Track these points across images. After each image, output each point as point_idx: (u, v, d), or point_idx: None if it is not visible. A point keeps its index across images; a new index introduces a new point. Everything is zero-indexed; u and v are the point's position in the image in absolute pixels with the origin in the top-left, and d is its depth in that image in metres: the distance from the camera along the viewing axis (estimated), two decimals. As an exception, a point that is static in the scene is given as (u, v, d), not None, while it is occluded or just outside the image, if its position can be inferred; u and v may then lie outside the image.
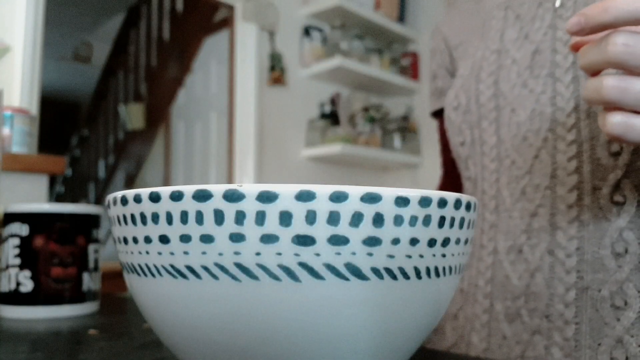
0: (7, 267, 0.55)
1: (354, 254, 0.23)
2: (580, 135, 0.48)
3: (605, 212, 0.46)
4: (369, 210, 0.22)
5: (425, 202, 0.23)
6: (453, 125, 0.60)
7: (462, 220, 0.26)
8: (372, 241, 0.23)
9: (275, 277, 0.22)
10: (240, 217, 0.22)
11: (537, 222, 0.50)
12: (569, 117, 0.49)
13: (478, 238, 0.57)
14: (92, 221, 0.58)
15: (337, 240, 0.22)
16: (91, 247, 0.58)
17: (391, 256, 0.23)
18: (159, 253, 0.24)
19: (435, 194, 0.24)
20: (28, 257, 0.55)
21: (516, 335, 0.51)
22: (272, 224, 0.22)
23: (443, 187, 0.73)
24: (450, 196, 0.25)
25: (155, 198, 0.24)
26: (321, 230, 0.22)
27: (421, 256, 0.24)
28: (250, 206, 0.22)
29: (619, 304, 0.45)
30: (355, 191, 0.22)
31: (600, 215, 0.47)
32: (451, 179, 0.71)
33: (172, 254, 0.24)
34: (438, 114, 0.71)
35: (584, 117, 0.48)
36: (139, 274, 0.26)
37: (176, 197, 0.23)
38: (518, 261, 0.52)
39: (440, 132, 0.72)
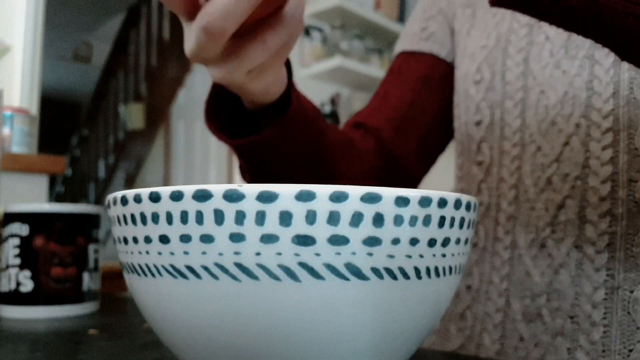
0: (7, 267, 0.55)
1: (354, 254, 0.23)
2: (617, 123, 0.44)
3: None
4: (369, 210, 0.22)
5: (425, 202, 0.23)
6: (471, 101, 0.55)
7: (462, 220, 0.26)
8: (372, 241, 0.23)
9: (275, 277, 0.22)
10: (240, 217, 0.22)
11: (564, 214, 0.47)
12: (606, 103, 0.45)
13: (492, 230, 0.53)
14: (92, 221, 0.58)
15: (337, 240, 0.22)
16: (91, 247, 0.58)
17: (391, 256, 0.23)
18: (159, 253, 0.24)
19: (435, 194, 0.24)
20: (28, 257, 0.55)
21: (535, 336, 0.47)
22: (272, 224, 0.22)
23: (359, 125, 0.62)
24: (450, 196, 0.25)
25: (155, 198, 0.24)
26: (321, 230, 0.22)
27: (421, 256, 0.24)
28: (250, 206, 0.22)
29: None
30: (355, 191, 0.22)
31: (635, 210, 0.43)
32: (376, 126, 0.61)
33: (172, 254, 0.24)
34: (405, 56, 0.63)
35: (624, 103, 0.44)
36: (139, 274, 0.26)
37: (176, 197, 0.23)
38: (541, 256, 0.48)
39: (396, 67, 0.63)
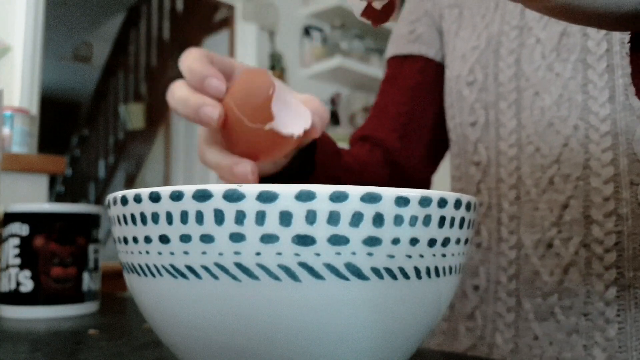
0: (7, 267, 0.55)
1: (354, 253, 0.23)
2: (616, 126, 0.45)
3: None
4: (369, 210, 0.22)
5: (425, 202, 0.23)
6: (465, 102, 0.56)
7: (462, 220, 0.26)
8: (372, 241, 0.23)
9: (276, 277, 0.22)
10: (240, 217, 0.22)
11: (569, 214, 0.47)
12: (602, 107, 0.46)
13: (495, 230, 0.53)
14: (92, 221, 0.58)
15: (337, 240, 0.22)
16: (91, 247, 0.58)
17: (391, 256, 0.23)
18: (159, 253, 0.24)
19: (435, 194, 0.24)
20: (28, 257, 0.55)
21: (549, 335, 0.48)
22: (272, 224, 0.22)
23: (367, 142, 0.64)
24: (450, 196, 0.25)
25: (155, 198, 0.24)
26: (321, 230, 0.22)
27: (421, 256, 0.24)
28: (250, 206, 0.22)
29: None
30: (355, 191, 0.22)
31: (638, 211, 0.44)
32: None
33: (172, 253, 0.24)
34: (396, 60, 0.65)
35: (620, 109, 0.45)
36: (139, 274, 0.26)
37: (176, 197, 0.23)
38: (548, 256, 0.48)
39: (390, 76, 0.65)
